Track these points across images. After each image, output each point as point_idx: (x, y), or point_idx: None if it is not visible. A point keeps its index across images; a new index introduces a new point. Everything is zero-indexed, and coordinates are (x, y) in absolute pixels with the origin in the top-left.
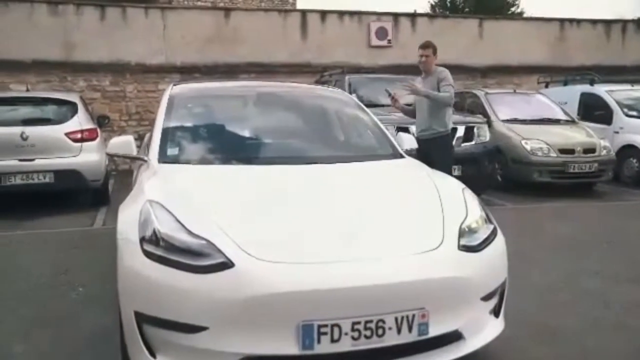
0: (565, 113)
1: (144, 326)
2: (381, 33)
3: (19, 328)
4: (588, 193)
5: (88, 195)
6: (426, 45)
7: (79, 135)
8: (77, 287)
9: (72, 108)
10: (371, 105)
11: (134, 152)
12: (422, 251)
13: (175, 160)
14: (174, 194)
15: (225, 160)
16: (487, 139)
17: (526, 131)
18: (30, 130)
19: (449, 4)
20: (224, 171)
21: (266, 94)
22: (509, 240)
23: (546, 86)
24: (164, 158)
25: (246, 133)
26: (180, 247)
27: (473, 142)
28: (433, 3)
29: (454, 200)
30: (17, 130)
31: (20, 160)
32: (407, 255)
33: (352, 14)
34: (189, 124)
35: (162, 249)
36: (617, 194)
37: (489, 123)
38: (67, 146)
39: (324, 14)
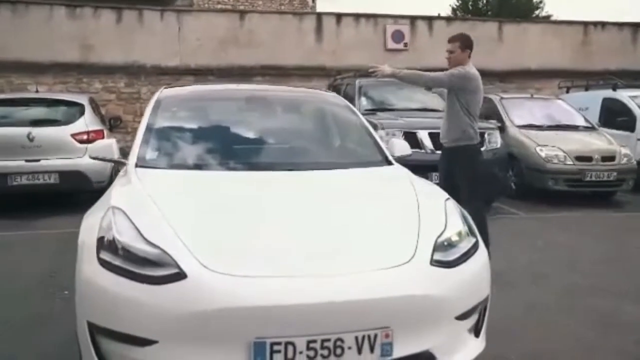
0: (585, 119)
1: (97, 337)
2: (397, 36)
3: None
4: (607, 203)
5: (94, 196)
6: (451, 39)
7: (84, 137)
8: (63, 291)
9: (80, 109)
10: (381, 109)
11: (115, 155)
12: (389, 266)
13: (152, 164)
14: (139, 201)
15: (204, 166)
16: (499, 145)
17: (541, 137)
18: (36, 131)
19: (470, 8)
20: (200, 177)
21: (255, 98)
22: (516, 252)
23: (567, 91)
24: (141, 162)
25: (228, 138)
26: (137, 256)
27: (483, 149)
28: (455, 7)
29: (433, 212)
30: (24, 130)
31: (27, 160)
32: (371, 270)
33: (368, 16)
34: (171, 128)
35: (118, 257)
36: (638, 204)
37: (502, 129)
38: (73, 147)
39: (339, 16)
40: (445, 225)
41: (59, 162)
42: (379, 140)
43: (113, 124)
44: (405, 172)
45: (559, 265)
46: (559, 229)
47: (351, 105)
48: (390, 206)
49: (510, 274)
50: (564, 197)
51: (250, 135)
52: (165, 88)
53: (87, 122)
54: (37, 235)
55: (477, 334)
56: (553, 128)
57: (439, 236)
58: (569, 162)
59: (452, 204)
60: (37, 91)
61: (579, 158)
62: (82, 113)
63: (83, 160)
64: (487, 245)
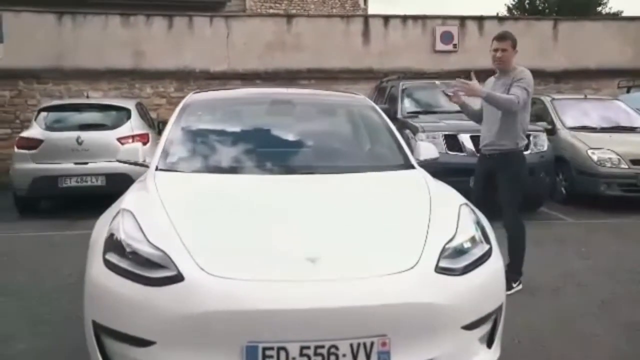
0: None
1: (101, 336)
2: (446, 37)
3: (26, 326)
4: None
5: None
6: (502, 37)
7: (130, 140)
8: None
9: (126, 114)
10: (424, 111)
11: (140, 159)
12: (390, 273)
13: (172, 167)
14: (150, 204)
15: (222, 170)
16: (545, 148)
17: (594, 140)
18: (85, 135)
19: (527, 6)
20: (216, 180)
21: (279, 101)
22: (557, 258)
23: (628, 91)
24: (162, 165)
25: (249, 142)
26: (141, 258)
27: (528, 152)
28: (510, 6)
29: (444, 218)
30: (73, 135)
31: (76, 163)
32: (371, 276)
33: (416, 18)
34: (193, 132)
35: (123, 259)
36: None
37: (553, 131)
38: (119, 150)
39: (386, 19)
40: (456, 231)
41: (106, 165)
42: (402, 143)
43: (162, 128)
44: (424, 176)
45: (599, 273)
46: (607, 235)
47: (377, 108)
48: (400, 212)
49: (546, 280)
50: (617, 202)
51: (270, 139)
52: (194, 93)
53: (132, 126)
54: (82, 236)
55: (489, 344)
56: (607, 130)
57: (447, 242)
58: (623, 166)
59: (467, 209)
60: (87, 97)
61: (635, 161)
62: (128, 117)
63: None
64: (521, 258)
